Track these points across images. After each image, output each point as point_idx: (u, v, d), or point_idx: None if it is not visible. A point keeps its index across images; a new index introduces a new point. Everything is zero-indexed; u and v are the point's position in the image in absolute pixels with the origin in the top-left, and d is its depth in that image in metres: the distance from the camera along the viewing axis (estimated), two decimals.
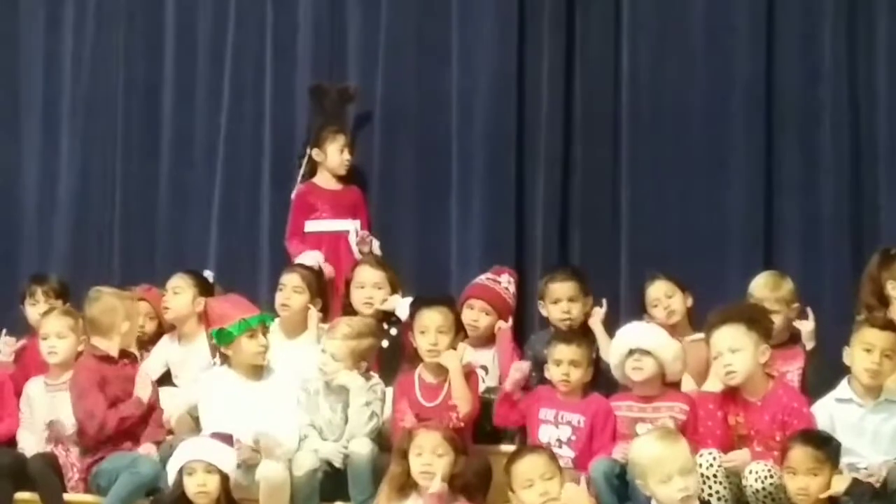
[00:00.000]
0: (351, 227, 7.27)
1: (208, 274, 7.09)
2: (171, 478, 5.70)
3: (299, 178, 7.40)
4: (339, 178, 7.37)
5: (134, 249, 7.77)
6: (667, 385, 6.09)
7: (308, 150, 7.38)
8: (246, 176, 7.72)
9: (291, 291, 6.78)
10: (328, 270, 7.09)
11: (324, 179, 7.37)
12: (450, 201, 7.42)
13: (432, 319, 6.18)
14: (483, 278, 6.82)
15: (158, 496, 5.87)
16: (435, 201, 7.46)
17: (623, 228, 7.27)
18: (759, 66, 7.14)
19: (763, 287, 6.49)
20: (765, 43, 7.16)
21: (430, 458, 5.49)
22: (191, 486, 5.60)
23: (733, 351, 5.82)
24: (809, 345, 6.37)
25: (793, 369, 6.23)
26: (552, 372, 6.11)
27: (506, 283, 6.79)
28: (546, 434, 5.99)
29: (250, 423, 6.05)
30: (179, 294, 6.88)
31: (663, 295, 6.59)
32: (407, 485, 5.52)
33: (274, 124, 7.67)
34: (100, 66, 7.91)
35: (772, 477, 5.55)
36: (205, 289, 6.91)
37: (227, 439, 5.84)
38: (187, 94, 7.83)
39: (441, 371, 6.18)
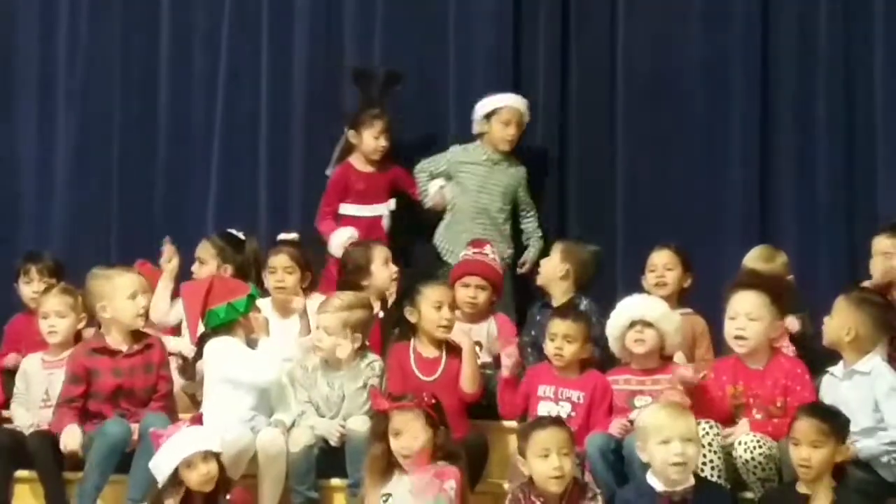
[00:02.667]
0: (385, 210, 7.26)
1: (239, 234, 7.08)
2: (160, 476, 5.62)
3: (334, 158, 7.34)
4: (375, 162, 7.31)
5: (131, 228, 7.76)
6: (664, 357, 6.08)
7: (345, 131, 7.32)
8: (244, 155, 7.72)
9: (283, 273, 6.75)
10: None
11: (359, 162, 7.32)
12: None
13: (447, 295, 6.23)
14: (470, 254, 6.81)
15: (157, 496, 5.72)
16: None
17: (619, 206, 7.30)
18: (755, 44, 7.15)
19: (756, 259, 6.56)
20: (760, 22, 7.17)
21: (408, 438, 5.43)
22: (194, 478, 5.55)
23: (751, 318, 5.84)
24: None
25: (785, 344, 6.23)
26: (547, 346, 6.12)
27: (491, 253, 6.79)
28: (546, 411, 5.97)
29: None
30: (205, 265, 6.90)
31: (662, 265, 6.62)
32: (389, 466, 5.48)
33: (271, 103, 7.65)
34: (96, 46, 7.90)
35: (761, 447, 5.57)
36: (230, 253, 6.92)
37: (199, 420, 5.83)
38: (184, 74, 7.81)
39: (440, 345, 6.17)
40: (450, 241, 7.22)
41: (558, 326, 6.09)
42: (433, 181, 7.27)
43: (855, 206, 7.03)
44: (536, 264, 7.01)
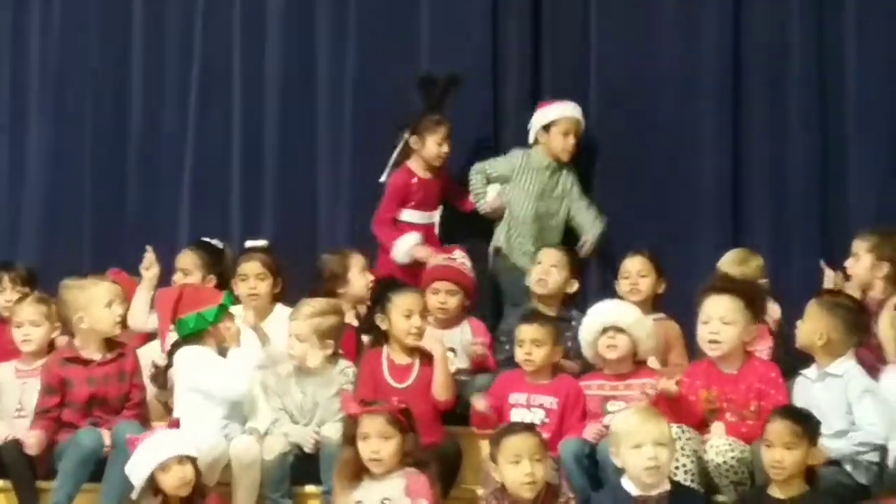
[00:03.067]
0: (437, 218, 7.22)
1: (212, 241, 7.07)
2: (136, 480, 5.61)
3: (391, 164, 7.24)
4: (433, 168, 7.22)
5: (104, 236, 7.73)
6: (637, 363, 6.09)
7: (405, 136, 7.22)
8: (217, 161, 7.69)
9: (255, 280, 6.72)
10: (425, 253, 6.99)
11: (419, 168, 7.21)
12: None
13: (417, 302, 6.21)
14: (440, 259, 6.81)
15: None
16: None
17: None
18: (727, 41, 7.15)
19: (731, 262, 6.57)
20: (732, 19, 7.15)
21: (377, 443, 5.44)
22: (170, 482, 5.55)
23: (724, 322, 5.86)
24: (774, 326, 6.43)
25: (761, 348, 6.24)
26: (516, 353, 6.12)
27: (461, 258, 6.78)
28: (519, 418, 5.94)
29: None
30: (189, 275, 6.88)
31: (636, 272, 6.64)
32: (359, 471, 5.47)
33: (243, 106, 7.63)
34: (69, 45, 7.86)
35: (733, 451, 5.59)
36: (213, 263, 6.91)
37: (177, 424, 5.80)
38: (156, 80, 7.80)
39: (412, 352, 6.17)
40: (508, 248, 7.14)
41: (525, 332, 6.09)
42: (490, 185, 7.21)
43: (827, 210, 7.01)
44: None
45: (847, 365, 5.76)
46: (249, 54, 7.65)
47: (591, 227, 7.11)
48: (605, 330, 6.05)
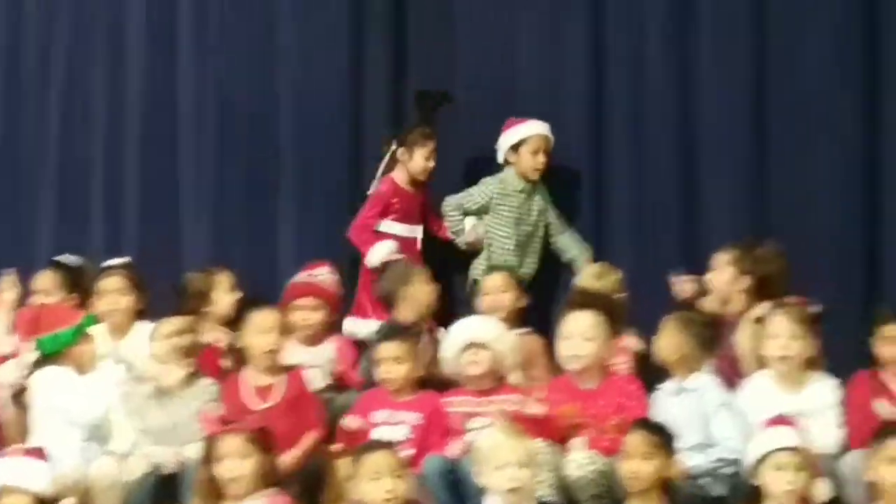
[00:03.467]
0: (419, 233, 7.13)
1: (71, 259, 6.96)
2: None
3: (378, 176, 7.14)
4: (415, 182, 7.15)
5: None
6: (500, 379, 6.10)
7: (393, 147, 7.12)
8: (79, 182, 7.63)
9: (116, 295, 6.64)
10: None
11: (402, 180, 7.13)
12: (283, 202, 7.40)
13: (273, 320, 6.15)
14: (302, 276, 6.78)
15: None
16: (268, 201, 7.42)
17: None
18: (589, 59, 7.20)
19: (589, 277, 6.62)
20: (593, 39, 7.21)
21: (234, 463, 5.39)
22: None
23: (585, 338, 5.90)
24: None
25: (620, 361, 6.28)
26: (377, 372, 6.11)
27: (324, 275, 6.75)
28: (381, 435, 5.89)
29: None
30: (49, 295, 6.76)
31: (496, 288, 6.64)
32: (218, 491, 5.41)
33: (105, 128, 7.58)
34: None
35: (593, 465, 5.61)
36: (72, 282, 6.79)
37: (39, 453, 5.73)
38: (15, 91, 7.74)
39: (275, 371, 6.13)
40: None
41: (384, 350, 6.09)
42: (467, 218, 7.11)
43: (687, 224, 7.07)
44: None
45: (702, 379, 5.84)
46: (110, 69, 7.58)
47: (579, 251, 7.05)
48: (467, 346, 6.05)
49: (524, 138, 7.04)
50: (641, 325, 6.43)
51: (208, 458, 5.45)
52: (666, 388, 5.91)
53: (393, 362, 6.06)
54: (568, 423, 5.84)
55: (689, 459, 5.62)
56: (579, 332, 5.92)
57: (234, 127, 7.44)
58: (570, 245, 7.08)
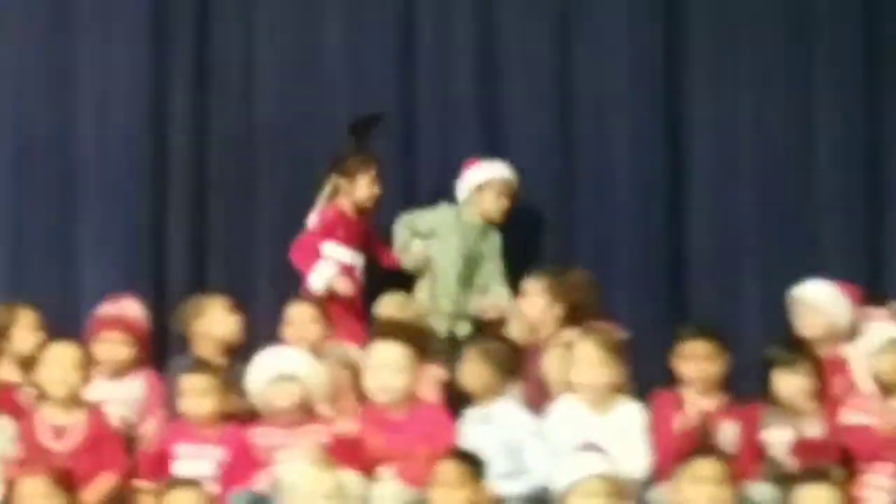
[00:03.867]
0: (360, 262, 6.93)
1: None
2: None
3: (318, 207, 6.94)
4: (360, 210, 6.96)
5: None
6: (308, 410, 6.02)
7: (333, 177, 6.95)
8: None
9: None
10: (344, 286, 6.75)
11: (347, 207, 6.93)
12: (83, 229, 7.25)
13: (72, 355, 5.98)
14: (107, 307, 6.63)
15: None
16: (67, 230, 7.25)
17: (262, 247, 7.23)
18: (391, 74, 7.26)
19: (391, 306, 6.61)
20: (400, 60, 7.25)
21: None
22: None
23: (392, 369, 5.89)
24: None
25: (429, 388, 6.25)
26: (181, 404, 6.00)
27: (127, 307, 6.63)
28: (186, 470, 5.80)
29: None
30: None
31: (299, 318, 6.54)
32: None
33: None
34: None
35: (402, 496, 5.59)
36: None
37: None
38: None
39: (74, 408, 5.96)
40: (429, 308, 6.85)
41: (188, 382, 5.99)
42: (415, 240, 6.95)
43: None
44: None
45: (506, 406, 5.88)
46: None
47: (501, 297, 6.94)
48: (275, 378, 5.96)
49: (490, 180, 6.96)
50: None
51: (9, 501, 5.28)
52: (471, 415, 5.92)
53: (197, 395, 5.95)
54: (378, 454, 5.79)
55: (500, 487, 5.63)
56: (387, 364, 5.90)
57: (28, 151, 7.26)
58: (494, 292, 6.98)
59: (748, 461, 5.76)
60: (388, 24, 7.28)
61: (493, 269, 6.98)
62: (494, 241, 7.01)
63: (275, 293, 6.95)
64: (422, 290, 6.94)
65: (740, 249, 7.06)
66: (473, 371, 5.97)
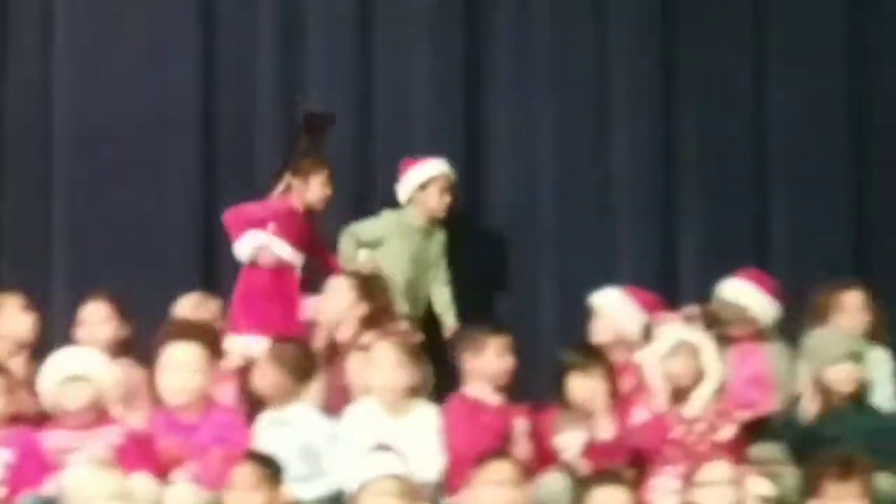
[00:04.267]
0: (300, 261, 6.72)
1: None
2: None
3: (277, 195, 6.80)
4: (310, 212, 6.78)
5: None
6: (100, 412, 5.89)
7: (287, 174, 6.77)
8: None
9: None
10: (268, 260, 6.60)
11: (298, 205, 6.76)
12: None
13: None
14: None
15: None
16: None
17: (57, 248, 7.16)
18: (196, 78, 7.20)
19: (187, 308, 6.57)
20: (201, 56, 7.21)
21: None
22: None
23: (185, 370, 5.83)
24: None
25: (225, 390, 6.24)
26: None
27: None
28: None
29: None
30: None
31: (92, 318, 6.40)
32: None
33: None
34: None
35: (195, 498, 5.54)
36: None
37: None
38: None
39: None
40: None
41: None
42: (361, 250, 6.80)
43: None
44: None
45: (300, 409, 5.88)
46: None
47: (447, 307, 6.91)
48: (66, 379, 5.82)
49: (433, 177, 6.88)
50: None
51: None
52: (265, 418, 5.89)
53: None
54: (172, 456, 5.73)
55: (297, 491, 5.61)
56: (181, 365, 5.84)
57: None
58: (443, 301, 6.95)
59: (541, 464, 5.81)
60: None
61: (435, 270, 6.97)
62: (440, 240, 6.99)
63: (72, 292, 6.84)
64: None
65: (538, 254, 7.15)
66: (265, 374, 5.94)
